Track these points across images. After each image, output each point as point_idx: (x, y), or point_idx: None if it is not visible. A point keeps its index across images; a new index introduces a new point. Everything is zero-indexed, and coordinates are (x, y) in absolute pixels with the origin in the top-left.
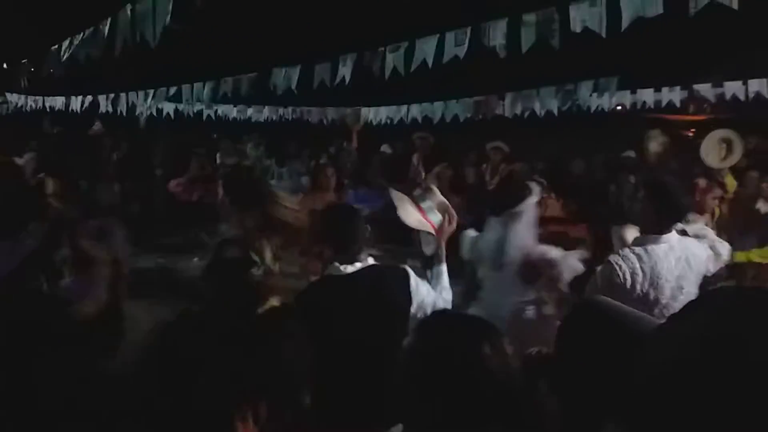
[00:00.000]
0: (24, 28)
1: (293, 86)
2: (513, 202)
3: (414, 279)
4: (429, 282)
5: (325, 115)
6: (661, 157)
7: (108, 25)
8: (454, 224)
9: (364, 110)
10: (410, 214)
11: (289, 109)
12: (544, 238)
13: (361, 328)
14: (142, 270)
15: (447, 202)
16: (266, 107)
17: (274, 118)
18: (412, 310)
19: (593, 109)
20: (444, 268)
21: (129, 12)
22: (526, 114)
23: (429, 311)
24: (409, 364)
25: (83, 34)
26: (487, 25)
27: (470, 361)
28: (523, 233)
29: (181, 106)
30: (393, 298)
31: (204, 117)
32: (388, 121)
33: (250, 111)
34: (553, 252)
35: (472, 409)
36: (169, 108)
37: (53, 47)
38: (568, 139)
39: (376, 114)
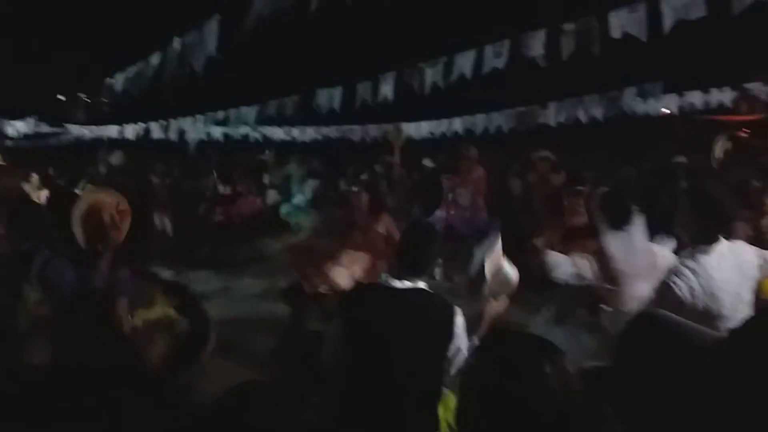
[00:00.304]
0: (80, 62)
1: (336, 106)
2: (629, 214)
3: (461, 319)
4: None
5: (367, 133)
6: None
7: (158, 56)
8: (504, 307)
9: (405, 125)
10: (493, 263)
11: (332, 128)
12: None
13: (387, 343)
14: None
15: (513, 283)
16: (310, 127)
17: (318, 138)
18: (451, 348)
19: (639, 114)
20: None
21: (178, 44)
22: (571, 122)
23: (458, 360)
24: (468, 382)
25: (135, 66)
26: (525, 36)
27: (530, 380)
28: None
29: (228, 130)
30: (429, 326)
31: (251, 139)
32: (431, 135)
33: (294, 132)
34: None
35: (532, 430)
36: (217, 132)
37: (108, 79)
38: (615, 146)
39: (417, 129)
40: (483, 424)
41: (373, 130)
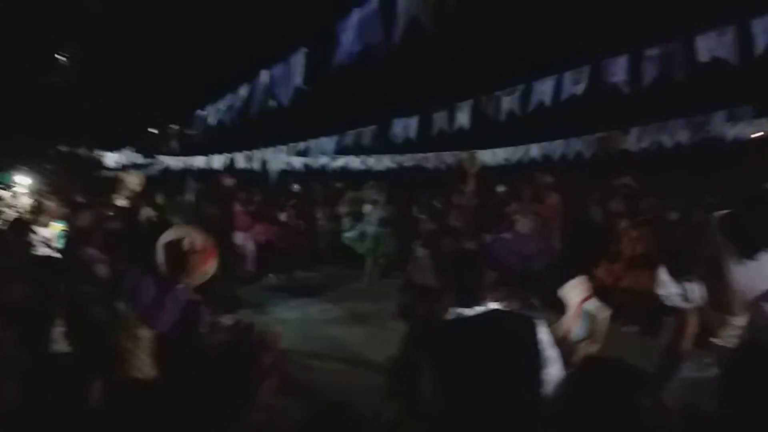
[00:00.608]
0: (173, 95)
1: (412, 135)
2: (761, 239)
3: (545, 332)
4: None
5: (442, 160)
6: None
7: (246, 89)
8: (594, 348)
9: (480, 153)
10: (575, 296)
11: (407, 156)
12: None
13: (475, 371)
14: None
15: (600, 319)
16: (386, 156)
17: (393, 166)
18: (541, 362)
19: (729, 139)
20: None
21: (265, 77)
22: (654, 148)
23: (553, 372)
24: (562, 410)
25: (225, 99)
26: (606, 63)
27: (627, 412)
28: None
29: (307, 160)
30: (512, 344)
31: (328, 169)
32: (506, 162)
33: (370, 161)
34: None
35: None
36: (297, 162)
37: (198, 112)
38: (702, 172)
39: (493, 156)
40: None
41: (448, 158)
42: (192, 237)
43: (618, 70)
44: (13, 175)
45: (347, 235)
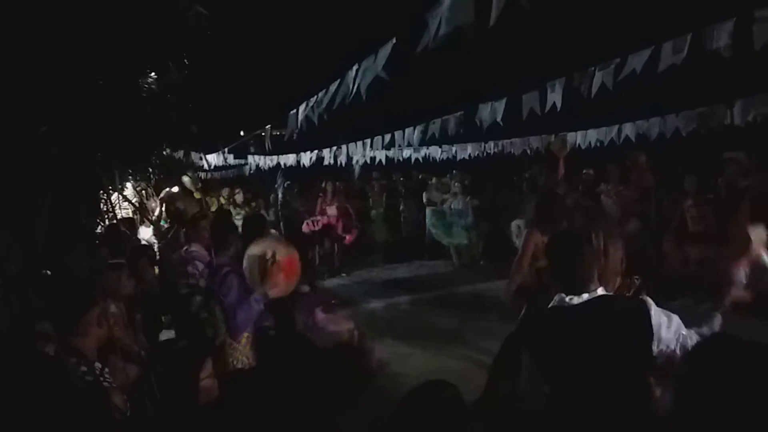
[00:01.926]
0: (265, 97)
1: (499, 119)
2: None
3: (656, 312)
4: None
5: (528, 145)
6: None
7: (335, 85)
8: None
9: (570, 135)
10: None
11: (491, 143)
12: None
13: (587, 361)
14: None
15: None
16: (470, 144)
17: (477, 154)
18: (654, 346)
19: None
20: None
21: (354, 71)
22: (761, 120)
23: (674, 345)
24: (683, 391)
25: (314, 97)
26: (711, 29)
27: (754, 394)
28: None
29: (390, 153)
30: (625, 332)
31: (412, 160)
32: (598, 144)
33: (454, 149)
34: None
35: None
36: (381, 155)
37: (291, 112)
38: None
39: (584, 137)
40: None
41: (535, 142)
42: (277, 251)
43: (722, 35)
44: (124, 179)
45: (428, 225)
